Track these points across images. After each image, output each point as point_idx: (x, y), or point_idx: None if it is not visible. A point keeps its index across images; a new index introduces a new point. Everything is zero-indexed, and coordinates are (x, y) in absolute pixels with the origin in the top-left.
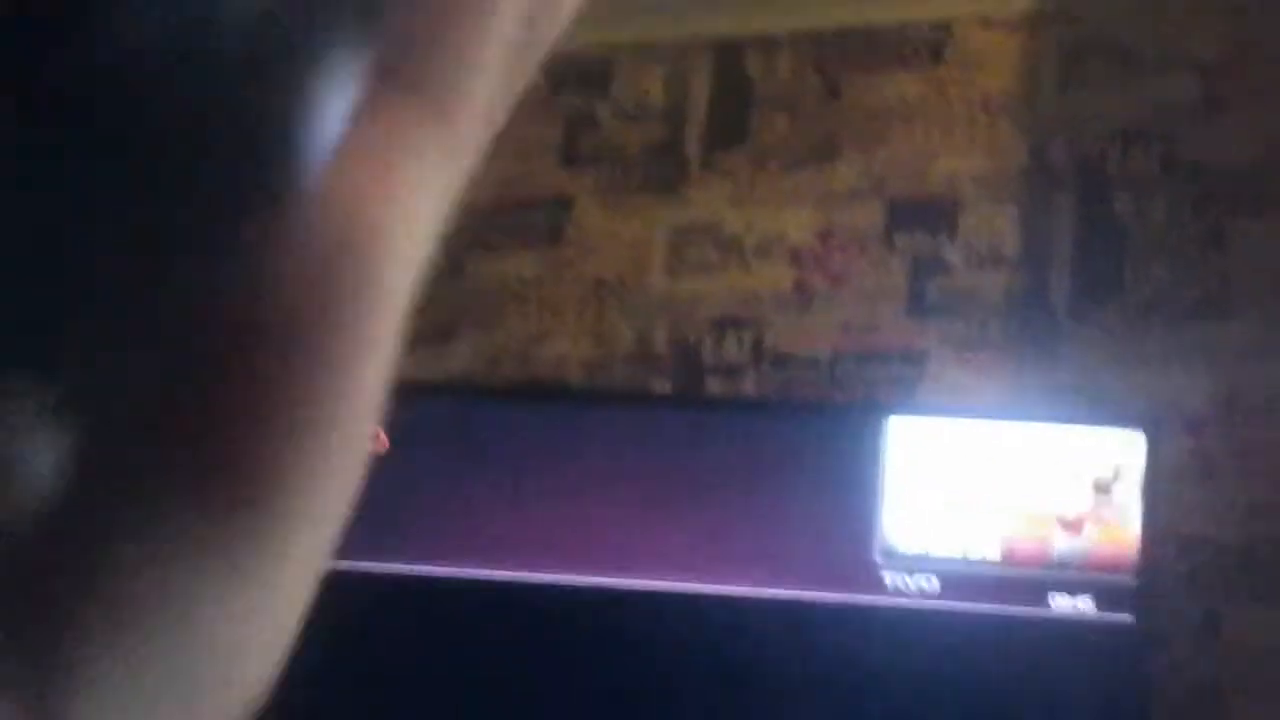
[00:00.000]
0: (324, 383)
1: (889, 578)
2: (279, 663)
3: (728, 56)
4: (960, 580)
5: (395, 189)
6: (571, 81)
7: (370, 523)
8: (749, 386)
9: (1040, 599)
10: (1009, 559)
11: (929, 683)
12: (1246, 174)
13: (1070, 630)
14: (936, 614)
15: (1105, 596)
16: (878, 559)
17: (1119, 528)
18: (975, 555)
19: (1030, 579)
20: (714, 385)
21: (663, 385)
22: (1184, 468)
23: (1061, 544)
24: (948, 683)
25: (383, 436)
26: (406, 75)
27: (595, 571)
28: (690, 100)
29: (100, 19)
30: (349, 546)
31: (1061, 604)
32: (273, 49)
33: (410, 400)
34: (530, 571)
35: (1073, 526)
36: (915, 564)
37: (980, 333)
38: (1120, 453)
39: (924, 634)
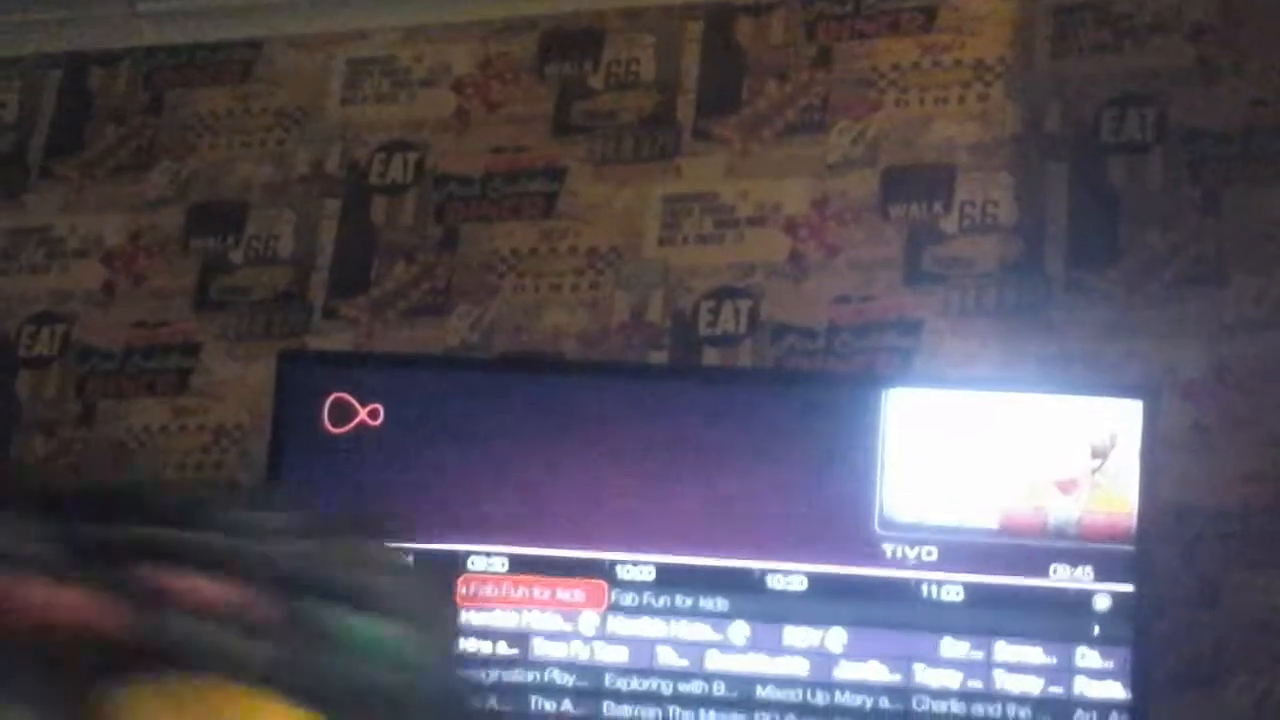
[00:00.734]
0: None
1: (889, 549)
2: None
3: (719, 23)
4: (959, 551)
5: None
6: (562, 50)
7: (366, 497)
8: (745, 357)
9: (1040, 569)
10: (1008, 529)
11: (929, 655)
12: (1240, 139)
13: (1071, 600)
14: (937, 584)
15: (1104, 566)
16: (877, 530)
17: (1117, 496)
18: (974, 525)
19: (1030, 549)
20: (711, 356)
21: (659, 356)
22: (1181, 436)
23: (1060, 514)
24: (948, 654)
25: (378, 410)
26: None
27: (590, 544)
28: (682, 68)
29: None
30: (344, 519)
31: (1062, 574)
32: None
33: (406, 373)
34: (528, 544)
35: (1071, 496)
36: (914, 534)
37: (976, 301)
38: (1117, 421)
39: (924, 603)
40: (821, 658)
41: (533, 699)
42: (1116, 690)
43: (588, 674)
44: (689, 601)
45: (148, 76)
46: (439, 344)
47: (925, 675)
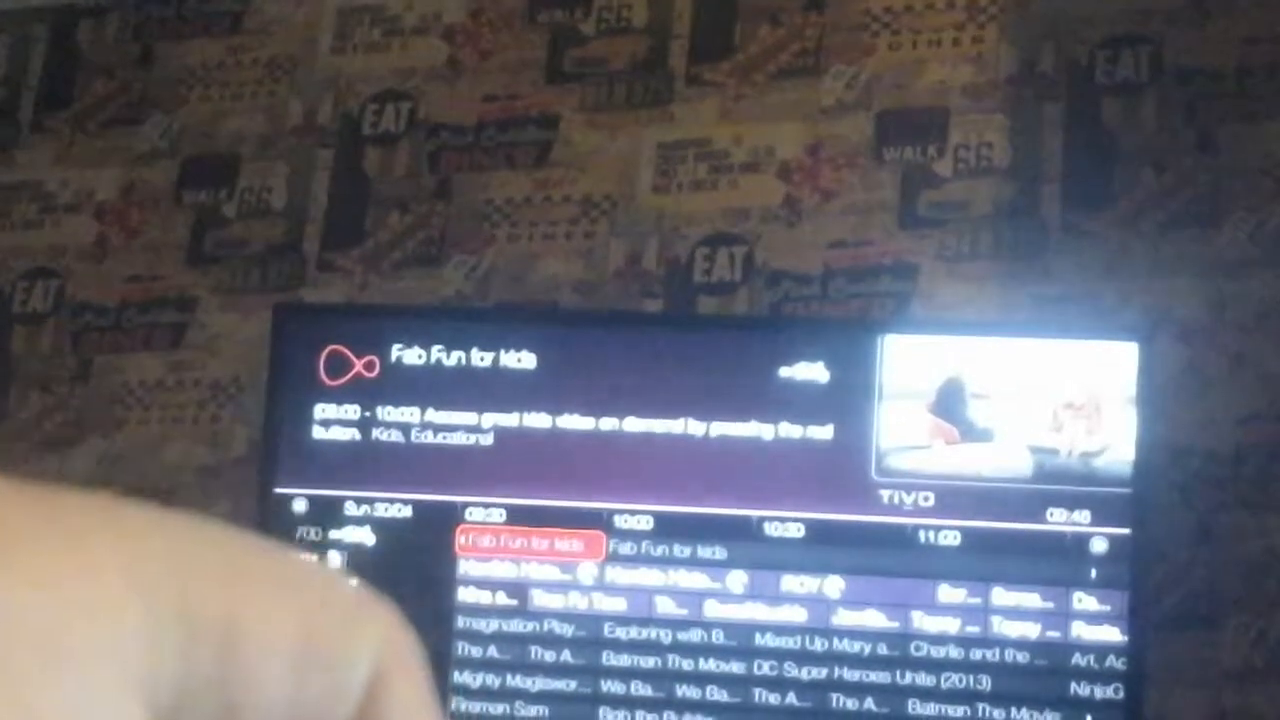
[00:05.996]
0: None
1: (886, 495)
2: None
3: None
4: (956, 496)
5: None
6: None
7: (362, 448)
8: (741, 304)
9: (1037, 513)
10: (1004, 474)
11: (927, 601)
12: (1234, 77)
13: (1068, 544)
14: (934, 529)
15: (1101, 509)
16: (874, 476)
17: (1113, 440)
18: (971, 471)
19: (1026, 493)
20: (706, 304)
21: (654, 305)
22: (1177, 377)
23: (1056, 458)
24: (946, 600)
25: (374, 361)
26: None
27: (588, 494)
28: (674, 13)
29: None
30: (339, 474)
31: (1058, 518)
32: None
33: (402, 324)
34: (526, 496)
35: (1067, 439)
36: (911, 480)
37: (971, 245)
38: (1113, 364)
39: (922, 549)
40: (819, 605)
41: (532, 649)
42: (1113, 633)
43: (587, 624)
44: (687, 551)
45: (137, 29)
46: (434, 295)
47: (923, 621)
